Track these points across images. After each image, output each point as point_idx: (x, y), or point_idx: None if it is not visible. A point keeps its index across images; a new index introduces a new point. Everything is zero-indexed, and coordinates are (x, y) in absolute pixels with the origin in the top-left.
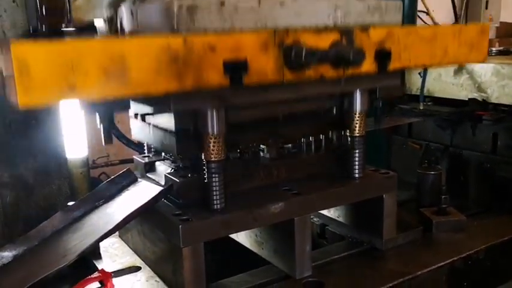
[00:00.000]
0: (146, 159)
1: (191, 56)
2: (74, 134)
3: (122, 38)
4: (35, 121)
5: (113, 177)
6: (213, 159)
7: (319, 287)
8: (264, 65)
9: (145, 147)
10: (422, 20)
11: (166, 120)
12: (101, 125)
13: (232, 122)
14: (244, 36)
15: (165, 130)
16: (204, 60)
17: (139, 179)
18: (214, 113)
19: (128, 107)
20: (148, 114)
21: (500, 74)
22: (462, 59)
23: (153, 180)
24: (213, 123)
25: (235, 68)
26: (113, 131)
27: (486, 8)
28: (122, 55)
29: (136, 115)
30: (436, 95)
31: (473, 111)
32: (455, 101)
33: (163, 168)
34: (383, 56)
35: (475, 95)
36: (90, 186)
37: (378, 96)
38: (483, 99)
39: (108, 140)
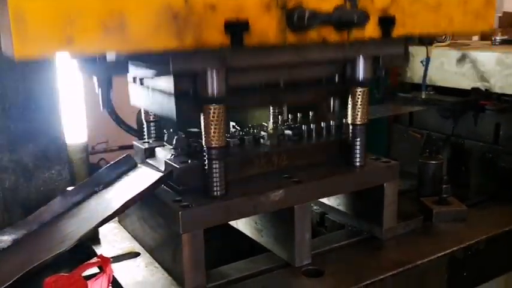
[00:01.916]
0: (146, 145)
1: (192, 14)
2: (74, 119)
3: None
4: (35, 105)
5: (112, 162)
6: (213, 145)
7: (319, 275)
8: (266, 26)
9: (145, 133)
10: None
11: (166, 83)
12: (99, 89)
13: (232, 86)
14: None
15: (164, 93)
16: (204, 19)
17: (139, 165)
18: (215, 74)
19: (126, 71)
20: (147, 77)
21: (504, 64)
22: (468, 28)
23: (153, 166)
24: (213, 85)
25: (237, 28)
26: (113, 117)
27: None
28: (121, 10)
29: (135, 79)
30: (439, 84)
31: (476, 100)
32: (457, 90)
33: (163, 154)
34: (387, 21)
35: (478, 84)
36: (89, 172)
37: (381, 65)
38: (486, 89)
39: (106, 104)
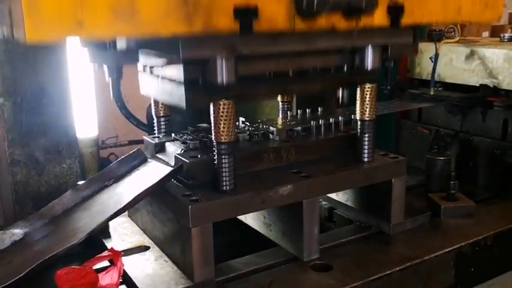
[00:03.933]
0: (156, 140)
1: None
2: (85, 114)
3: None
4: (46, 100)
5: (123, 156)
6: (223, 140)
7: (327, 269)
8: (275, 13)
9: (155, 128)
10: None
11: (175, 72)
12: (110, 79)
13: (242, 75)
14: None
15: (173, 81)
16: (214, 4)
17: (149, 159)
18: (224, 62)
19: (136, 59)
20: (157, 65)
21: None
22: (476, 17)
23: (163, 160)
24: (223, 72)
25: (246, 13)
26: (123, 111)
27: None
28: None
29: (145, 67)
30: (447, 80)
31: (484, 97)
32: (466, 86)
33: (173, 148)
34: (396, 9)
35: (486, 81)
36: (99, 166)
37: (389, 55)
38: (494, 86)
39: (117, 94)
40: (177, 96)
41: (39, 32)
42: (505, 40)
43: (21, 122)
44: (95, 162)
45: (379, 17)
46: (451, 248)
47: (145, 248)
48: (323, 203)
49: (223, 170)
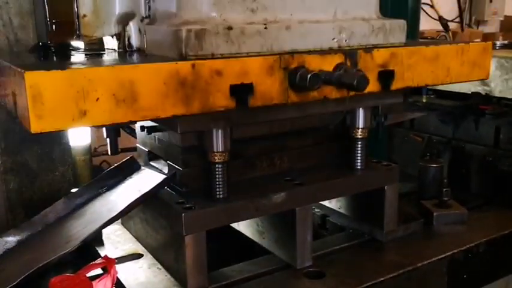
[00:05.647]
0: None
1: (199, 80)
2: None
3: (131, 65)
4: None
5: (116, 164)
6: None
7: (320, 277)
8: (269, 88)
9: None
10: (426, 13)
11: (173, 135)
12: (107, 138)
13: (236, 139)
14: (250, 61)
15: (170, 143)
16: (211, 84)
17: (142, 167)
18: (220, 133)
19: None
20: (155, 130)
21: (504, 68)
22: (465, 78)
23: (156, 168)
24: (219, 142)
25: (242, 91)
26: None
27: (490, 1)
28: (131, 81)
29: (142, 128)
30: (439, 88)
31: (476, 105)
32: (458, 94)
33: None
34: (386, 76)
35: (478, 88)
36: (92, 174)
37: (380, 112)
38: (486, 93)
39: (114, 151)
40: (174, 157)
41: (43, 123)
42: (497, 48)
43: (15, 131)
44: (87, 170)
45: (371, 84)
46: (443, 255)
47: (139, 256)
48: (316, 210)
49: (217, 178)
